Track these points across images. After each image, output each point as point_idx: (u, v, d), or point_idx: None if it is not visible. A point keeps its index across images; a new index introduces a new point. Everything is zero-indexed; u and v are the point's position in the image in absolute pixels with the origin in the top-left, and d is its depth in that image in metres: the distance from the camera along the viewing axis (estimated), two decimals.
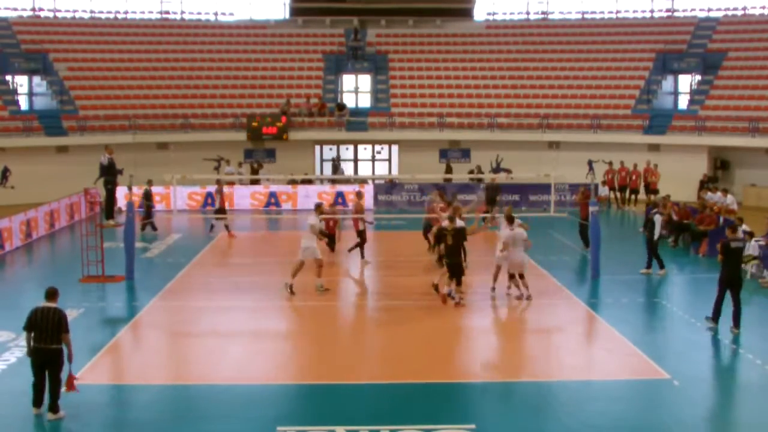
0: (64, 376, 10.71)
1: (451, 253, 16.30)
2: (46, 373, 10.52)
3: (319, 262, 17.55)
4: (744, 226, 20.63)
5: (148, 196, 26.11)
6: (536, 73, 38.29)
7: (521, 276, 16.86)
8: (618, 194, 32.44)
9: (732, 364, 12.92)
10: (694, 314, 15.69)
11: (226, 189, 27.01)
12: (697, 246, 22.22)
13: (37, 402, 10.57)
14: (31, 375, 10.63)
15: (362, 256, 20.93)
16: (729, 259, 14.50)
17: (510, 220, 17.07)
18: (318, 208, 18.41)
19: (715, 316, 14.76)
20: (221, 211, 24.95)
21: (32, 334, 10.51)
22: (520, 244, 16.80)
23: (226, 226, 24.88)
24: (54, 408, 10.50)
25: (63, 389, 10.67)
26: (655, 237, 19.41)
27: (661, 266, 19.49)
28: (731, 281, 14.50)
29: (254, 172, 33.87)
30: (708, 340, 14.21)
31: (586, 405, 11.19)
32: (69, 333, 10.60)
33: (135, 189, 28.07)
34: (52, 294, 10.77)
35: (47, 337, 10.41)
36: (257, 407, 11.01)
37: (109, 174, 18.59)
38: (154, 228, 25.92)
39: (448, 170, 33.56)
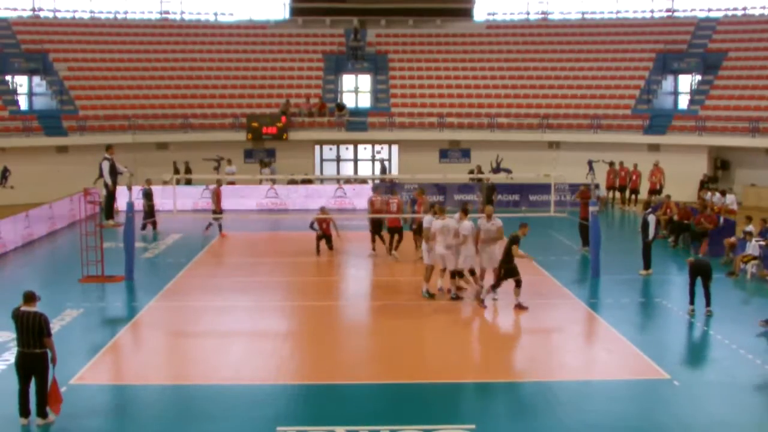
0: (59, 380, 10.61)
1: (507, 259, 15.92)
2: (33, 379, 10.35)
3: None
4: (750, 227, 20.67)
5: (147, 196, 26.10)
6: (536, 73, 38.30)
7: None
8: (618, 194, 32.45)
9: (732, 364, 12.90)
10: (695, 314, 15.68)
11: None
12: (697, 246, 22.17)
13: (24, 412, 10.37)
14: (17, 382, 10.43)
15: (389, 252, 21.45)
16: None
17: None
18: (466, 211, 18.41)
19: (691, 299, 15.84)
20: (218, 211, 24.87)
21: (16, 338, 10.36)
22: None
23: (220, 226, 24.91)
24: (42, 413, 10.37)
25: (48, 408, 10.45)
26: (650, 237, 19.42)
27: (647, 266, 19.51)
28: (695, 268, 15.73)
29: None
30: (708, 340, 14.22)
31: (586, 405, 11.18)
32: (51, 337, 10.39)
33: (136, 189, 28.18)
34: (30, 298, 10.51)
35: (30, 342, 10.24)
36: (257, 407, 11.01)
37: (110, 174, 18.54)
38: (155, 227, 25.93)
39: (383, 171, 33.64)
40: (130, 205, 19.34)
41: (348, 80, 40.17)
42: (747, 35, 37.58)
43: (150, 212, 26.07)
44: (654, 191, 30.54)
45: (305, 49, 40.38)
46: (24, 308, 10.42)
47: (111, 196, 18.65)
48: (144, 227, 25.48)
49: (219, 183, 25.79)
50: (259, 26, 41.44)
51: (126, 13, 41.05)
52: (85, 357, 13.04)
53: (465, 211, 16.81)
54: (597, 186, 31.27)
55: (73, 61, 37.29)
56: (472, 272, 16.82)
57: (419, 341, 14.18)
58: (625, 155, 32.61)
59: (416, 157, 35.53)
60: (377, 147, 37.43)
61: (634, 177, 31.65)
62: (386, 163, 36.68)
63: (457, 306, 16.49)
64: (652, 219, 19.55)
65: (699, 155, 33.72)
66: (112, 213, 18.85)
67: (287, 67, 39.34)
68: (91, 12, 40.78)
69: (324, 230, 22.00)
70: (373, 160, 37.47)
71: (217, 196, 24.90)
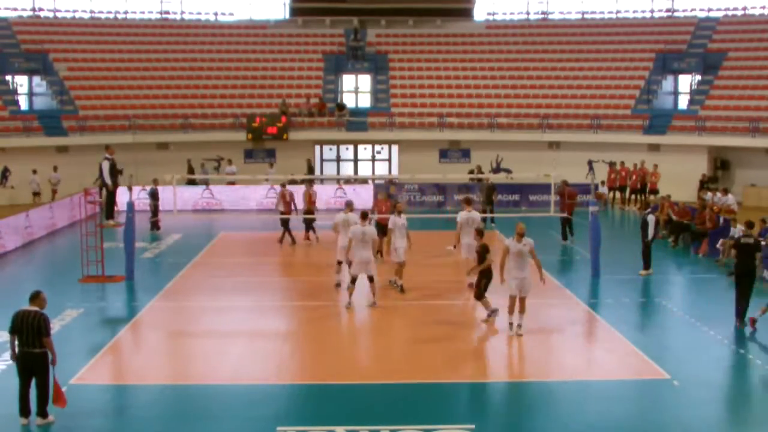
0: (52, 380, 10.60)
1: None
2: (33, 379, 10.36)
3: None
4: (740, 226, 20.68)
5: (154, 196, 26.04)
6: (536, 73, 38.31)
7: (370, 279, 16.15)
8: (619, 194, 32.44)
9: (732, 364, 12.90)
10: (694, 314, 15.69)
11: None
12: (697, 246, 22.23)
13: (24, 411, 10.37)
14: (18, 382, 10.44)
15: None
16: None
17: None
18: (468, 202, 18.55)
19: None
20: (310, 212, 23.74)
21: (16, 338, 10.35)
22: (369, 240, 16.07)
23: (313, 228, 23.89)
24: (43, 413, 10.37)
25: (51, 403, 10.44)
26: (649, 237, 19.41)
27: (647, 266, 19.50)
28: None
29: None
30: (708, 340, 14.20)
31: (586, 405, 11.17)
32: (50, 337, 10.37)
33: (137, 188, 28.20)
34: (33, 297, 10.52)
35: (29, 341, 10.25)
36: (257, 407, 11.01)
37: (111, 174, 18.55)
38: (157, 227, 25.90)
39: (311, 170, 33.72)
40: (130, 205, 19.33)
41: (348, 80, 40.18)
42: (747, 35, 37.59)
43: (155, 212, 26.04)
44: (653, 191, 30.56)
45: (305, 49, 40.39)
46: (26, 307, 10.44)
47: (111, 196, 18.65)
48: (152, 228, 25.59)
49: (310, 183, 25.48)
50: (259, 26, 41.45)
51: (126, 13, 41.08)
52: (85, 357, 13.04)
53: (364, 216, 16.32)
54: (598, 185, 31.32)
55: (73, 61, 37.30)
56: (370, 279, 16.16)
57: (419, 341, 14.16)
58: (625, 155, 32.63)
59: (416, 157, 35.53)
60: (377, 147, 37.46)
61: (634, 177, 31.66)
62: (312, 163, 36.48)
63: (457, 307, 16.49)
64: (651, 219, 19.54)
65: (699, 155, 33.73)
66: (112, 213, 18.84)
67: (287, 67, 39.34)
68: (91, 12, 40.80)
69: (286, 207, 22.99)
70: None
71: (309, 197, 24.01)
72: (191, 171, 33.13)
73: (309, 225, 23.44)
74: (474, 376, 12.46)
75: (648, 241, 19.47)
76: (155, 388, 11.86)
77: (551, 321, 15.67)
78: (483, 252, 14.98)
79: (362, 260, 15.93)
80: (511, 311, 14.32)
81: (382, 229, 19.04)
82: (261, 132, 35.25)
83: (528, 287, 14.08)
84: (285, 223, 23.31)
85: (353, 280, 16.15)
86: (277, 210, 24.09)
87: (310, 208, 23.40)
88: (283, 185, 24.57)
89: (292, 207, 23.47)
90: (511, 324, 14.26)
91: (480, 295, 14.96)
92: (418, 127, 36.24)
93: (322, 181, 34.15)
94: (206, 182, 27.11)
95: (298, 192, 24.47)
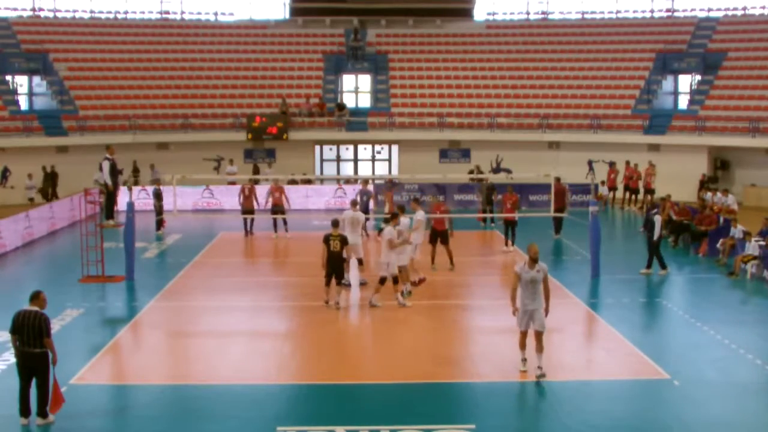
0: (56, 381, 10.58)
1: None
2: (33, 379, 10.36)
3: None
4: (740, 226, 20.71)
5: (158, 196, 25.97)
6: (536, 73, 38.30)
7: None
8: (629, 195, 32.38)
9: (732, 364, 12.90)
10: (694, 314, 15.70)
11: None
12: (697, 246, 22.23)
13: (24, 411, 10.37)
14: (18, 382, 10.43)
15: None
16: None
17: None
18: (418, 202, 19.57)
19: None
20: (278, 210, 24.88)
21: (17, 338, 10.36)
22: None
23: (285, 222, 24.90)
24: (43, 413, 10.37)
25: (48, 408, 10.43)
26: (655, 237, 19.38)
27: (663, 266, 19.45)
28: None
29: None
30: (708, 340, 14.21)
31: (586, 405, 11.17)
32: (51, 337, 10.36)
33: (137, 188, 28.15)
34: (33, 297, 10.51)
35: (30, 341, 10.25)
36: (257, 407, 11.01)
37: (111, 175, 18.55)
38: (160, 227, 25.86)
39: (256, 171, 33.83)
40: (131, 205, 19.32)
41: (348, 80, 40.17)
42: (747, 35, 37.59)
43: (159, 212, 25.97)
44: (650, 190, 30.51)
45: (305, 49, 40.38)
46: (26, 307, 10.44)
47: (111, 196, 18.63)
48: (157, 226, 25.60)
49: (276, 181, 25.93)
50: (259, 26, 41.45)
51: (126, 13, 41.07)
52: (85, 357, 13.04)
53: (354, 203, 18.20)
54: (598, 185, 31.31)
55: (73, 61, 37.28)
56: (382, 280, 16.35)
57: (419, 341, 14.18)
58: (625, 155, 32.60)
59: (416, 157, 35.53)
60: (377, 147, 37.46)
61: (634, 177, 31.63)
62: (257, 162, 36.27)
63: (458, 306, 16.48)
64: (657, 219, 19.45)
65: (699, 155, 33.72)
66: (112, 213, 18.84)
67: (287, 67, 39.34)
68: (91, 12, 40.79)
69: (246, 202, 24.24)
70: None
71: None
72: (136, 171, 33.15)
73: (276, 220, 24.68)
74: (474, 376, 12.46)
75: (655, 241, 19.40)
76: (155, 388, 11.86)
77: (551, 321, 15.58)
78: (325, 241, 16.08)
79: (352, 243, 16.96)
80: (521, 346, 12.33)
81: (438, 235, 19.15)
82: (261, 132, 35.26)
83: (542, 320, 12.06)
84: (245, 218, 24.86)
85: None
86: (239, 204, 25.29)
87: (278, 204, 24.69)
88: (251, 181, 25.77)
89: (254, 202, 24.79)
90: (524, 360, 12.33)
91: (327, 283, 16.08)
92: (418, 127, 36.24)
93: (322, 181, 34.17)
94: (157, 182, 27.22)
95: (295, 192, 24.99)
